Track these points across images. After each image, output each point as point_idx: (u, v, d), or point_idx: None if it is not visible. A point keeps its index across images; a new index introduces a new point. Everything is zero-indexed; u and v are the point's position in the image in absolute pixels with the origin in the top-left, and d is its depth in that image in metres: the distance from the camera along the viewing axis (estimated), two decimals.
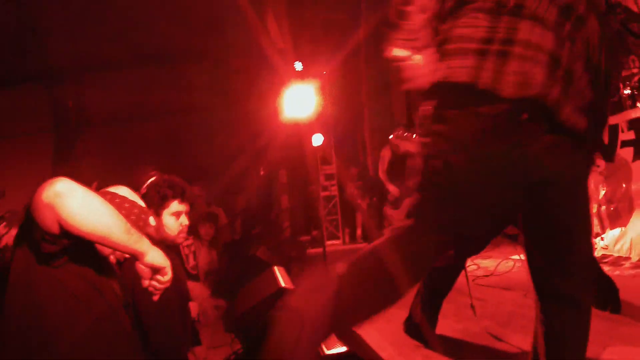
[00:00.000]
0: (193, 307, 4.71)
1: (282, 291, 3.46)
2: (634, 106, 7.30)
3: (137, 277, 2.28)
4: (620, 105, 7.45)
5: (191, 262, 6.38)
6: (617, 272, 5.83)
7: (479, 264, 7.37)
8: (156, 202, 3.41)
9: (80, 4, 12.81)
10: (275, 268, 4.02)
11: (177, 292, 3.26)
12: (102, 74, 14.81)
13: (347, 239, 12.73)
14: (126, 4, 12.59)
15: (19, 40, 13.33)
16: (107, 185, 2.75)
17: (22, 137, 15.22)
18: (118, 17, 13.10)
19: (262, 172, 13.71)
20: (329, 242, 11.84)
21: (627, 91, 7.41)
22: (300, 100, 9.08)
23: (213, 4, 11.69)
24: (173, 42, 13.90)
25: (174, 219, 3.43)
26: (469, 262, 7.35)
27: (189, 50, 14.28)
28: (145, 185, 3.61)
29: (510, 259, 7.41)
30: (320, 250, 11.34)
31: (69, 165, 15.30)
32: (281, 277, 3.72)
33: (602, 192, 6.85)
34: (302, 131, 11.19)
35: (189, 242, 5.53)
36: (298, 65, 11.27)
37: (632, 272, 5.78)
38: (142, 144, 14.47)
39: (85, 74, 15.03)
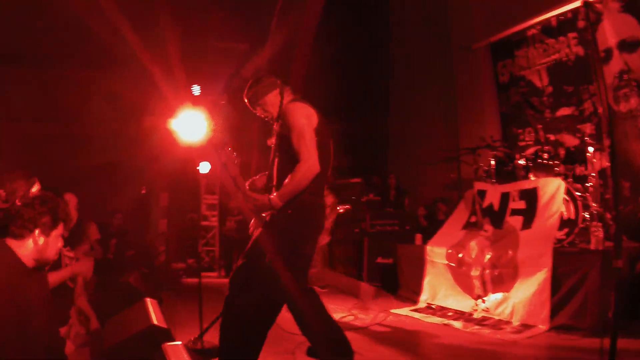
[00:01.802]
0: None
1: (153, 328, 3.19)
2: (526, 177, 7.44)
3: None
4: (514, 175, 7.60)
5: None
6: (498, 336, 5.87)
7: (356, 314, 7.24)
8: (48, 223, 3.28)
9: None
10: (148, 301, 3.76)
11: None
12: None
13: (222, 272, 12.38)
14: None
15: None
16: None
17: None
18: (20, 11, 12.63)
19: (143, 192, 13.30)
20: (204, 274, 11.56)
21: (522, 162, 7.56)
22: (192, 125, 8.79)
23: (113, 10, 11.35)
24: (70, 45, 13.47)
25: (59, 239, 3.37)
26: (345, 313, 7.23)
27: (85, 55, 13.82)
28: (24, 195, 3.40)
29: (384, 311, 7.40)
30: (194, 280, 11.03)
31: None
32: (153, 312, 3.46)
33: (488, 256, 6.88)
34: (190, 157, 10.92)
35: (71, 254, 5.13)
36: (195, 89, 11.00)
37: (513, 336, 5.80)
38: (18, 144, 13.83)
39: None
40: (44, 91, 14.37)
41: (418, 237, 8.94)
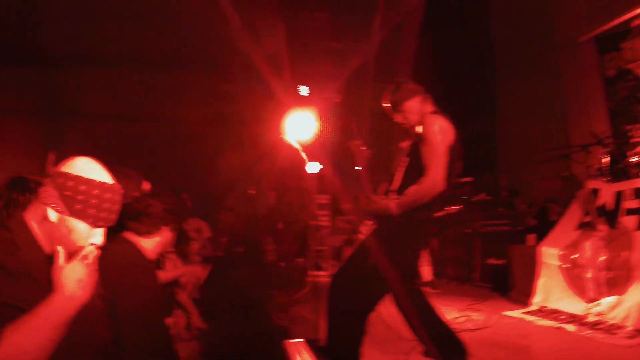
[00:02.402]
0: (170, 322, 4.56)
1: (271, 326, 3.33)
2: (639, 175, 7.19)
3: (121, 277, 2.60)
4: (627, 173, 7.35)
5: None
6: (611, 341, 5.72)
7: (469, 316, 7.18)
8: (173, 220, 3.48)
9: None
10: (263, 299, 3.88)
11: (158, 302, 3.30)
12: (101, 71, 14.79)
13: (333, 272, 12.39)
14: (134, 7, 12.63)
15: (23, 23, 13.34)
16: None
17: (15, 116, 15.14)
18: (124, 17, 13.15)
19: (252, 192, 13.56)
20: (313, 273, 11.68)
21: (634, 159, 7.30)
22: (300, 126, 8.94)
23: (219, 17, 11.64)
24: (178, 49, 13.92)
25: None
26: (458, 314, 7.19)
27: (192, 59, 14.25)
28: (141, 193, 3.58)
29: (497, 314, 7.35)
30: (304, 278, 11.17)
31: (58, 152, 15.17)
32: (270, 310, 3.58)
33: (602, 258, 6.70)
34: (300, 157, 11.04)
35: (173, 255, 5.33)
36: (303, 90, 11.15)
37: (627, 341, 5.63)
38: (131, 145, 14.40)
39: (84, 68, 14.97)
40: (151, 92, 14.90)
41: (531, 238, 8.80)
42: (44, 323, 1.94)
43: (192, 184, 11.50)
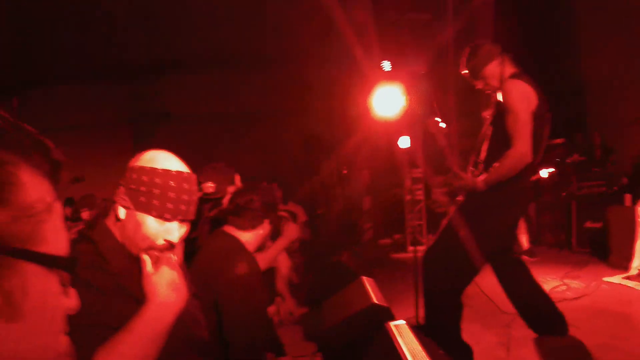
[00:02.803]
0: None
1: (374, 307, 3.39)
2: None
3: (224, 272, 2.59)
4: None
5: None
6: None
7: (569, 284, 7.08)
8: (271, 212, 3.53)
9: (165, 4, 13.24)
10: (364, 279, 3.94)
11: (261, 293, 3.32)
12: (182, 74, 15.28)
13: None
14: (208, 8, 12.88)
15: (104, 37, 13.86)
16: None
17: (105, 127, 15.91)
18: (200, 19, 13.44)
19: (344, 172, 13.66)
20: (412, 248, 11.72)
21: None
22: (387, 101, 8.96)
23: (295, 5, 11.72)
24: (255, 44, 14.12)
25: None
26: (557, 282, 7.14)
27: (270, 52, 14.45)
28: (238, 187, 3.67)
29: (597, 280, 7.20)
30: (402, 255, 11.23)
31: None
32: (372, 291, 3.65)
33: None
34: (389, 133, 11.07)
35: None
36: (386, 65, 11.12)
37: None
38: (220, 140, 14.79)
39: (166, 72, 15.51)
40: (240, 89, 15.27)
41: (627, 198, 8.56)
42: (141, 338, 1.80)
43: (283, 170, 11.75)
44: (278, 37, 13.50)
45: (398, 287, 7.01)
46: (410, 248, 11.11)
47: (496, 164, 4.02)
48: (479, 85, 4.36)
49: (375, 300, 3.44)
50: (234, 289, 3.06)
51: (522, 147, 3.91)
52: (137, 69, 15.43)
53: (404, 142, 11.13)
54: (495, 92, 4.28)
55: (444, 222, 4.41)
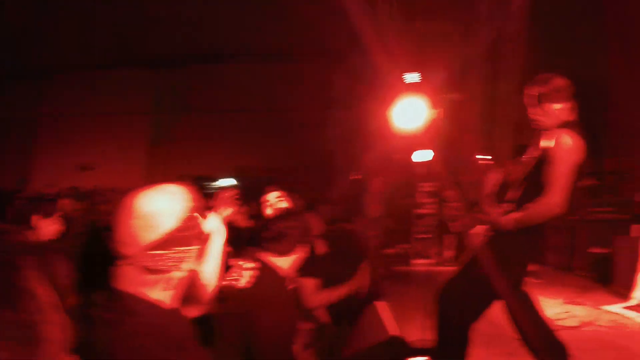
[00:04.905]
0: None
1: (392, 340, 3.51)
2: None
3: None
4: None
5: None
6: None
7: (571, 311, 7.19)
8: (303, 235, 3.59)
9: None
10: (380, 305, 4.05)
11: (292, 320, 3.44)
12: (204, 66, 15.38)
13: (436, 260, 12.45)
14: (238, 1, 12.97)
15: (129, 26, 13.96)
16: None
17: (123, 116, 16.06)
18: (228, 12, 13.50)
19: (356, 177, 13.73)
20: (415, 261, 11.78)
21: None
22: (412, 113, 9.04)
23: (325, 6, 11.82)
24: (280, 40, 14.20)
25: None
26: (559, 308, 7.29)
27: (296, 49, 14.52)
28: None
29: (599, 308, 7.34)
30: (406, 268, 11.31)
31: (163, 147, 15.91)
32: (388, 320, 3.76)
33: None
34: (408, 144, 11.15)
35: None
36: (413, 77, 11.16)
37: None
38: (236, 135, 14.93)
39: (188, 64, 15.64)
40: (262, 83, 15.35)
41: (635, 228, 8.68)
42: None
43: (304, 172, 11.82)
44: (305, 34, 13.56)
45: (404, 304, 7.03)
46: (416, 261, 11.23)
47: (529, 208, 4.03)
48: (532, 112, 4.26)
49: (392, 332, 3.55)
50: (262, 319, 3.14)
51: (559, 198, 3.93)
52: (159, 60, 15.56)
53: (421, 155, 11.22)
54: (542, 128, 4.23)
55: (467, 254, 4.47)
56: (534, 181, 4.10)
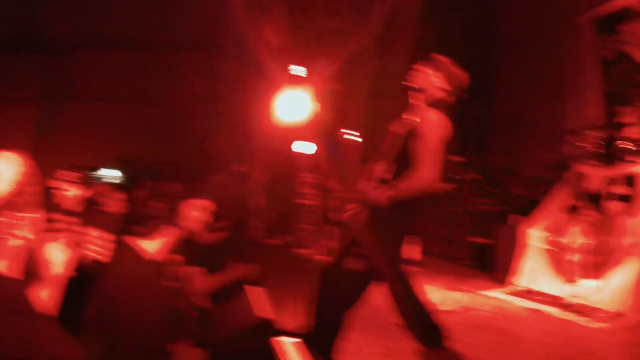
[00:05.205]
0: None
1: (263, 322, 3.35)
2: (630, 160, 7.23)
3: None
4: (618, 158, 7.40)
5: None
6: (592, 324, 5.86)
7: (452, 297, 7.24)
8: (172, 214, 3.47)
9: None
10: (252, 289, 3.91)
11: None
12: (95, 53, 14.88)
13: (318, 250, 12.38)
14: None
15: (16, 11, 13.42)
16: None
17: (9, 102, 15.30)
18: (115, 1, 13.18)
19: (242, 169, 13.54)
20: (297, 251, 11.71)
21: (624, 144, 7.34)
22: (295, 105, 8.93)
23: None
24: (169, 30, 13.91)
25: None
26: (442, 294, 7.29)
27: (183, 40, 14.26)
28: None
29: (479, 293, 7.47)
30: (289, 257, 11.20)
31: (49, 135, 15.29)
32: (260, 303, 3.62)
33: (586, 242, 6.82)
34: (291, 136, 11.05)
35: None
36: (297, 69, 11.06)
37: (607, 325, 5.78)
38: (121, 126, 14.53)
39: (79, 51, 15.10)
40: (144, 73, 14.94)
41: (517, 219, 8.85)
42: None
43: (186, 164, 11.55)
44: (191, 25, 13.31)
45: (284, 293, 6.95)
46: (297, 250, 11.15)
47: (402, 184, 4.04)
48: (414, 76, 4.34)
49: (264, 314, 3.40)
50: (126, 305, 2.99)
51: (432, 174, 3.98)
52: (47, 46, 14.90)
53: (304, 147, 11.14)
54: (415, 88, 4.31)
55: (345, 237, 4.42)
56: (405, 157, 4.13)
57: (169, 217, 3.36)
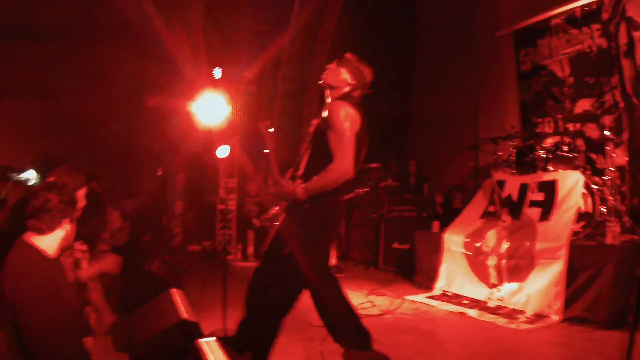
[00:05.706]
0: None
1: (183, 323, 3.26)
2: (545, 168, 7.44)
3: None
4: (534, 166, 7.61)
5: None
6: (511, 325, 5.94)
7: (374, 301, 7.31)
8: (71, 209, 3.36)
9: None
10: (174, 292, 3.83)
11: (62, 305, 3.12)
12: (15, 44, 14.29)
13: (239, 256, 12.36)
14: None
15: None
16: None
17: None
18: None
19: (159, 173, 13.34)
20: (220, 257, 11.61)
21: (541, 153, 7.55)
22: (212, 108, 8.83)
23: None
24: (86, 19, 13.55)
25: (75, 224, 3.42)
26: (363, 298, 7.31)
27: (106, 32, 13.89)
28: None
29: (402, 298, 7.50)
30: (210, 263, 11.08)
31: None
32: (181, 305, 3.52)
33: (505, 247, 6.94)
34: (208, 139, 10.94)
35: (84, 247, 5.08)
36: (216, 72, 10.98)
37: (527, 326, 5.89)
38: (30, 122, 14.03)
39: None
40: (57, 67, 14.47)
41: (435, 225, 8.95)
42: None
43: (104, 166, 11.27)
44: (117, 18, 12.97)
45: (206, 298, 6.87)
46: (220, 256, 11.06)
47: (316, 177, 4.03)
48: (326, 73, 4.44)
49: (184, 316, 3.33)
50: (27, 306, 2.89)
51: (344, 163, 3.98)
52: None
53: (223, 151, 11.06)
54: (325, 84, 4.40)
55: (268, 239, 4.35)
56: (319, 150, 4.18)
57: (65, 211, 3.27)
